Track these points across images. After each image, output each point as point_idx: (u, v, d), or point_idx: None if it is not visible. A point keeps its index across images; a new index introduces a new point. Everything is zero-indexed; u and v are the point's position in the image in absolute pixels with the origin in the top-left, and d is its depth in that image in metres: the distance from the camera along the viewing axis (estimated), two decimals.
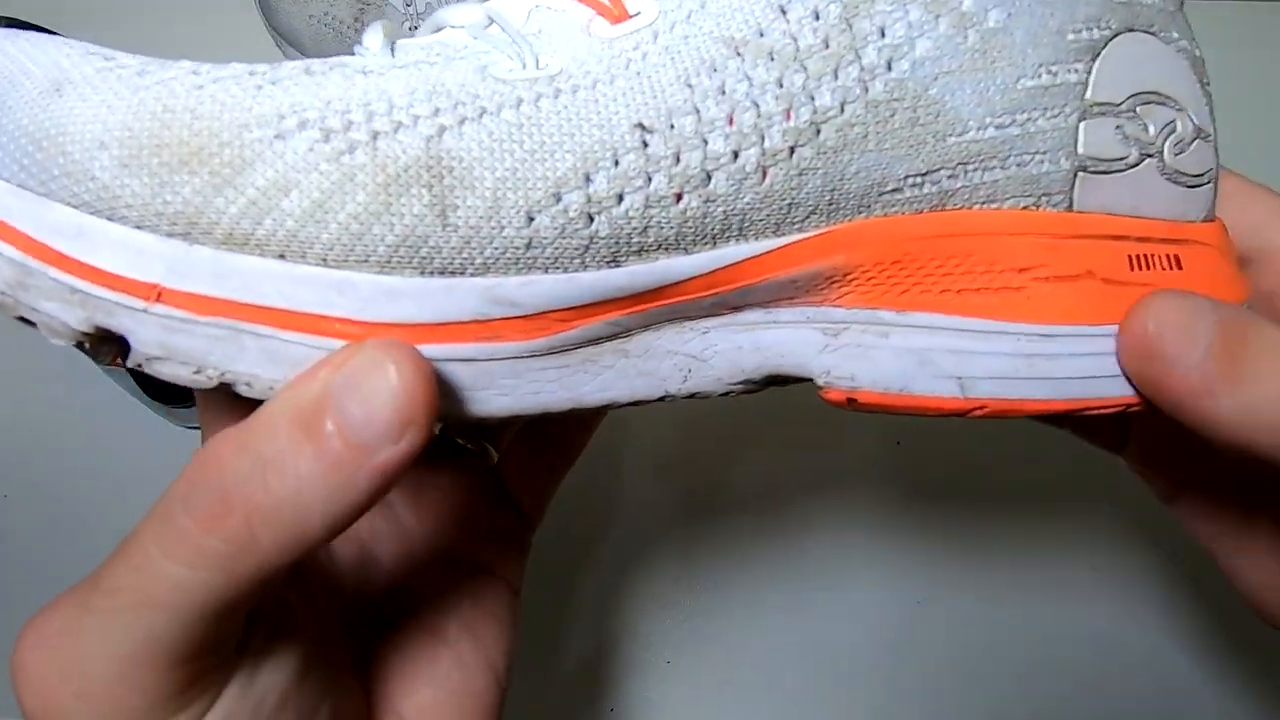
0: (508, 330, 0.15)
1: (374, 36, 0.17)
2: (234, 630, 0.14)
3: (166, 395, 0.32)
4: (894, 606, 0.34)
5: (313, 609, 0.17)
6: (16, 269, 0.14)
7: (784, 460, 0.36)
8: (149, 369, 0.14)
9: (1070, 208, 0.18)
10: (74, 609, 0.13)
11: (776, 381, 0.18)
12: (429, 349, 0.15)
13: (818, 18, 0.16)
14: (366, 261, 0.14)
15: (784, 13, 0.16)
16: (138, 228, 0.14)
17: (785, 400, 0.36)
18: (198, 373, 0.14)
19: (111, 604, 0.13)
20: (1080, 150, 0.17)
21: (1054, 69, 0.17)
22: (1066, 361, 0.17)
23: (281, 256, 0.14)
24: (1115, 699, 0.34)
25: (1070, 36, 0.17)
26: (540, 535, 0.33)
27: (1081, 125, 0.17)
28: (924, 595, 0.34)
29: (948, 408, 0.17)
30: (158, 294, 0.14)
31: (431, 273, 0.15)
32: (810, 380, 0.18)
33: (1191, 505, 0.22)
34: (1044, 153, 0.17)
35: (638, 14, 0.17)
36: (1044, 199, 0.17)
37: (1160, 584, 0.36)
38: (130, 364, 0.15)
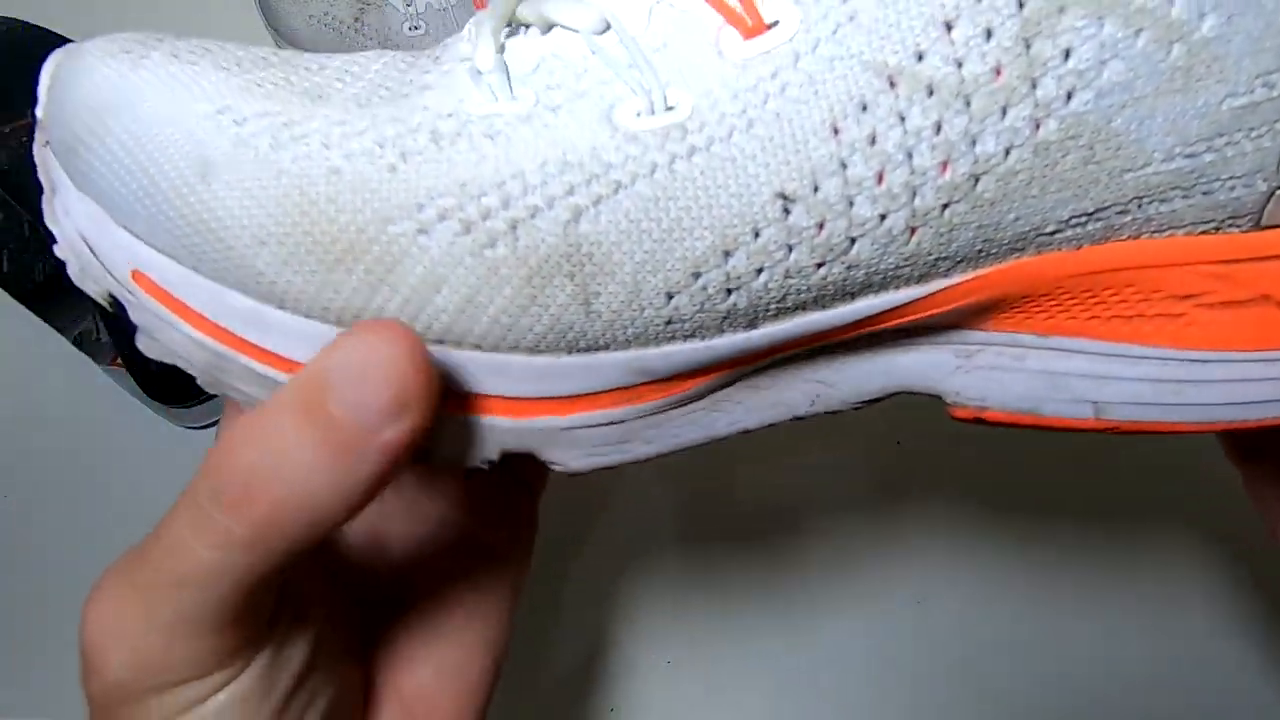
0: (648, 392, 0.16)
1: (485, 54, 0.16)
2: (266, 603, 0.15)
3: (166, 395, 0.32)
4: (894, 606, 0.34)
5: (324, 588, 0.17)
6: (213, 356, 0.16)
7: (784, 460, 0.35)
8: None
9: (1258, 225, 0.16)
10: (121, 583, 0.14)
11: (900, 393, 0.18)
12: (581, 417, 0.16)
13: (989, 37, 0.14)
14: (517, 347, 0.15)
15: (949, 29, 0.14)
16: (307, 316, 0.15)
17: None
18: None
19: (151, 580, 0.14)
20: None
21: (1273, 78, 0.14)
22: (1220, 387, 0.17)
23: (440, 342, 0.15)
24: (1115, 698, 0.34)
25: None
26: (541, 535, 0.33)
27: None
28: (924, 595, 0.34)
29: (1078, 428, 0.18)
30: None
31: (576, 352, 0.15)
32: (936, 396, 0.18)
33: None
34: (1239, 177, 0.15)
35: (775, 24, 0.15)
36: (1228, 222, 0.16)
37: (1160, 583, 0.35)
38: None
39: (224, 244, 0.15)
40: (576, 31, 0.16)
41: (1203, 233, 0.16)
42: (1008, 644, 0.33)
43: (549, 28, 0.16)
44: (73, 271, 0.17)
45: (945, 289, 0.16)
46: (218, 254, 0.15)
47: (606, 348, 0.15)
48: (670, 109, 0.15)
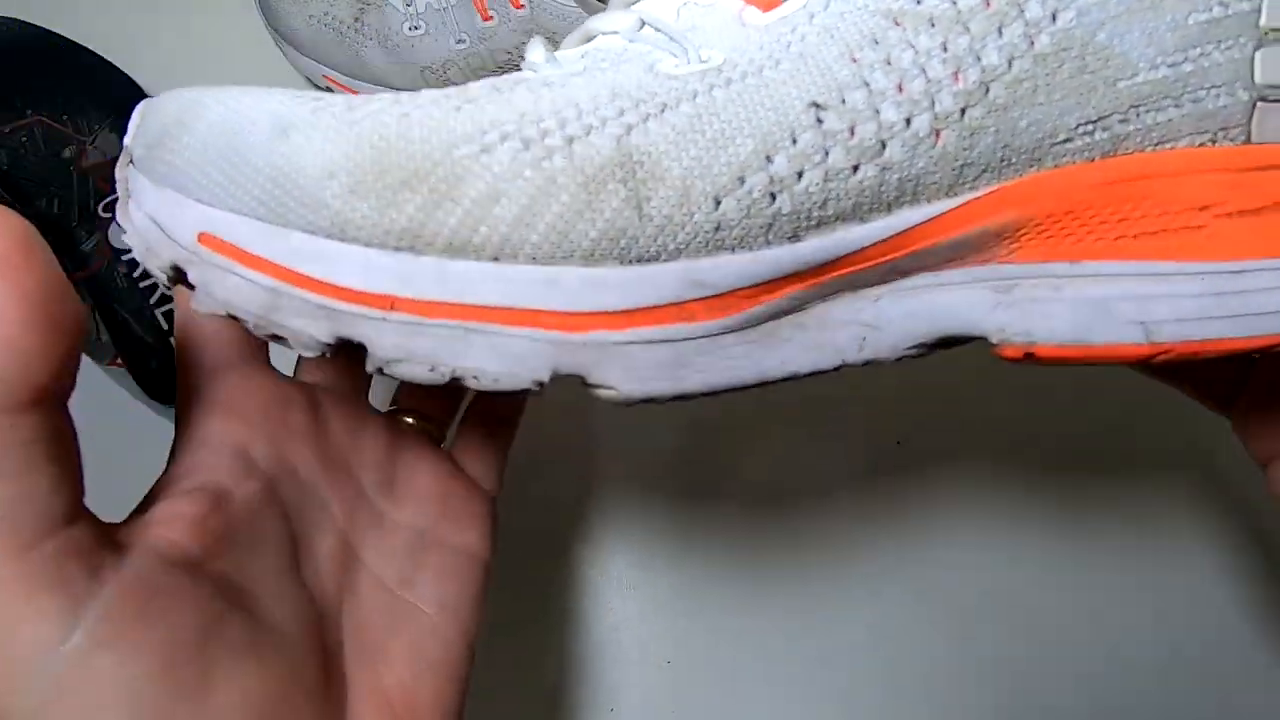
0: (700, 310, 0.16)
1: (536, 50, 0.18)
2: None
3: (166, 395, 0.32)
4: (894, 605, 0.34)
5: (297, 611, 0.18)
6: (268, 293, 0.16)
7: (784, 460, 0.35)
8: (389, 371, 0.16)
9: (1249, 140, 0.17)
10: None
11: (949, 343, 0.18)
12: (634, 332, 0.16)
13: None
14: (571, 257, 0.16)
15: None
16: (367, 245, 0.16)
17: (786, 400, 0.35)
18: (432, 370, 0.16)
19: None
20: (1258, 79, 0.17)
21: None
22: (1259, 296, 0.17)
23: (496, 259, 0.16)
24: (1116, 696, 0.33)
25: None
26: (540, 535, 0.34)
27: (1258, 54, 0.17)
28: (925, 592, 0.34)
29: (1131, 354, 0.17)
30: (392, 303, 0.16)
31: (630, 261, 0.16)
32: (984, 339, 0.18)
33: None
34: (1219, 86, 0.17)
35: None
36: (1220, 134, 0.17)
37: (1162, 583, 0.34)
38: (369, 369, 0.16)
39: (295, 184, 0.16)
40: (616, 33, 0.18)
41: (1200, 145, 0.17)
42: (1010, 641, 0.33)
43: (590, 38, 0.19)
44: (139, 252, 0.17)
45: (973, 200, 0.17)
46: (288, 195, 0.16)
47: (657, 257, 0.16)
48: (704, 61, 0.17)
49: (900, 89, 0.16)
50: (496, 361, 0.16)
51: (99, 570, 0.15)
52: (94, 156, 0.31)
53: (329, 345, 0.16)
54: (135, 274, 0.30)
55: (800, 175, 0.16)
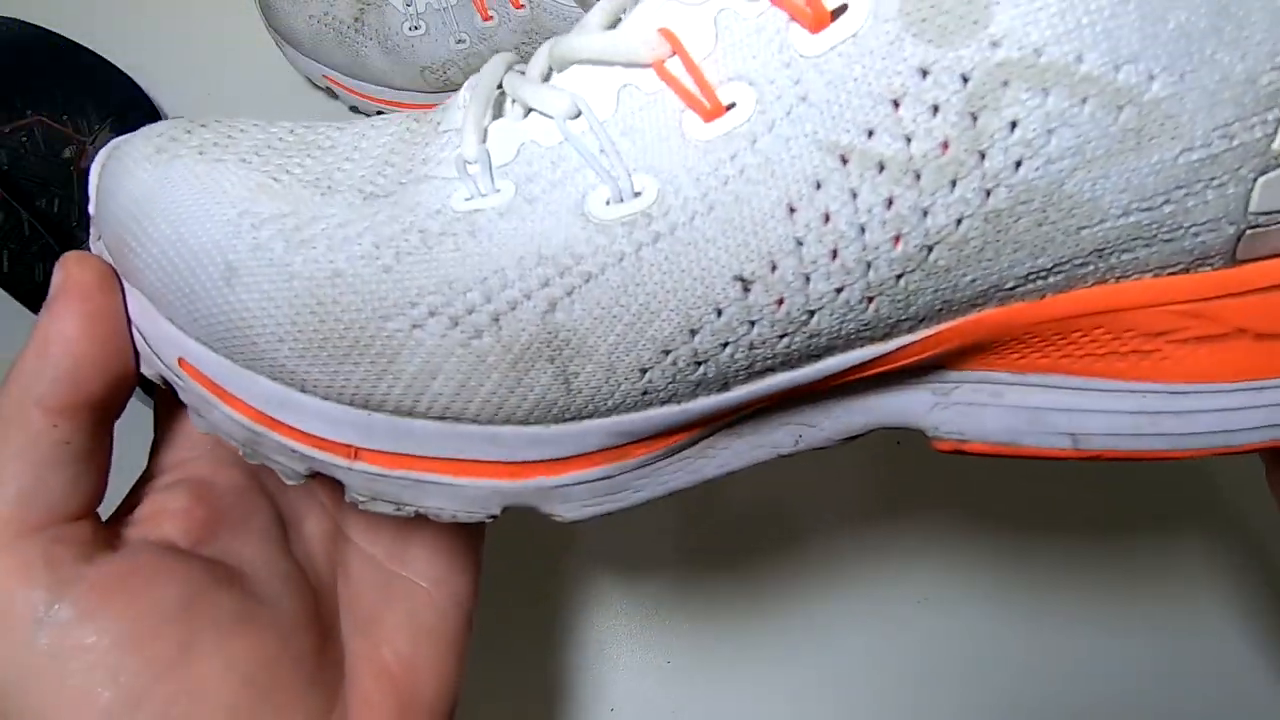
0: (635, 450, 0.18)
1: (470, 143, 0.17)
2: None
3: None
4: (894, 606, 0.34)
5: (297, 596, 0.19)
6: (247, 432, 0.18)
7: (784, 460, 0.34)
8: (363, 507, 0.18)
9: (1232, 263, 0.16)
10: None
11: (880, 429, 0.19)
12: (571, 476, 0.17)
13: (936, 112, 0.14)
14: (509, 421, 0.17)
15: (896, 106, 0.15)
16: (325, 399, 0.17)
17: None
18: (398, 510, 0.18)
19: None
20: (1253, 209, 0.15)
21: (1232, 129, 0.14)
22: (1201, 417, 0.17)
23: (442, 419, 0.17)
24: (1115, 697, 0.33)
25: (1266, 79, 0.14)
26: (540, 535, 0.34)
27: (1260, 181, 0.15)
28: (924, 595, 0.34)
29: (1059, 457, 0.18)
30: (355, 453, 0.18)
31: (563, 421, 0.17)
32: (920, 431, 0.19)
33: None
34: (1202, 224, 0.15)
35: (732, 107, 0.15)
36: (1197, 265, 0.16)
37: (1161, 582, 0.34)
38: (347, 500, 0.18)
39: (249, 340, 0.17)
40: (551, 117, 0.17)
41: (1171, 274, 0.16)
42: (1010, 644, 0.34)
43: (528, 111, 0.17)
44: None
45: (909, 345, 0.17)
46: (246, 347, 0.17)
47: (590, 416, 0.17)
48: (637, 194, 0.16)
49: (834, 256, 0.15)
50: (454, 503, 0.18)
51: (90, 557, 0.17)
52: (94, 156, 0.30)
53: (309, 476, 0.18)
54: None
55: (724, 346, 0.16)
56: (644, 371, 0.16)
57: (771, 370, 0.17)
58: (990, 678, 0.34)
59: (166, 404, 0.20)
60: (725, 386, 0.17)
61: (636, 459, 0.18)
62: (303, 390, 0.17)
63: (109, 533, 0.18)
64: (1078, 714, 0.33)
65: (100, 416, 0.17)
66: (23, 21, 0.33)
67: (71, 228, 0.30)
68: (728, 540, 0.35)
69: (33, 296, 0.31)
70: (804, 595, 0.34)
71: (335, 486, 0.22)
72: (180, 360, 0.18)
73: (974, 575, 0.35)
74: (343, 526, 0.22)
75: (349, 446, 0.17)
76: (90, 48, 0.34)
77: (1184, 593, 0.35)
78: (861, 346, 0.17)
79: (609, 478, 0.18)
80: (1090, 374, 0.17)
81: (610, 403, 0.17)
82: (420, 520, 0.23)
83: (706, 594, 0.34)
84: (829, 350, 0.16)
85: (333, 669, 0.19)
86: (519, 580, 0.34)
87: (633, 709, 0.33)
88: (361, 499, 0.18)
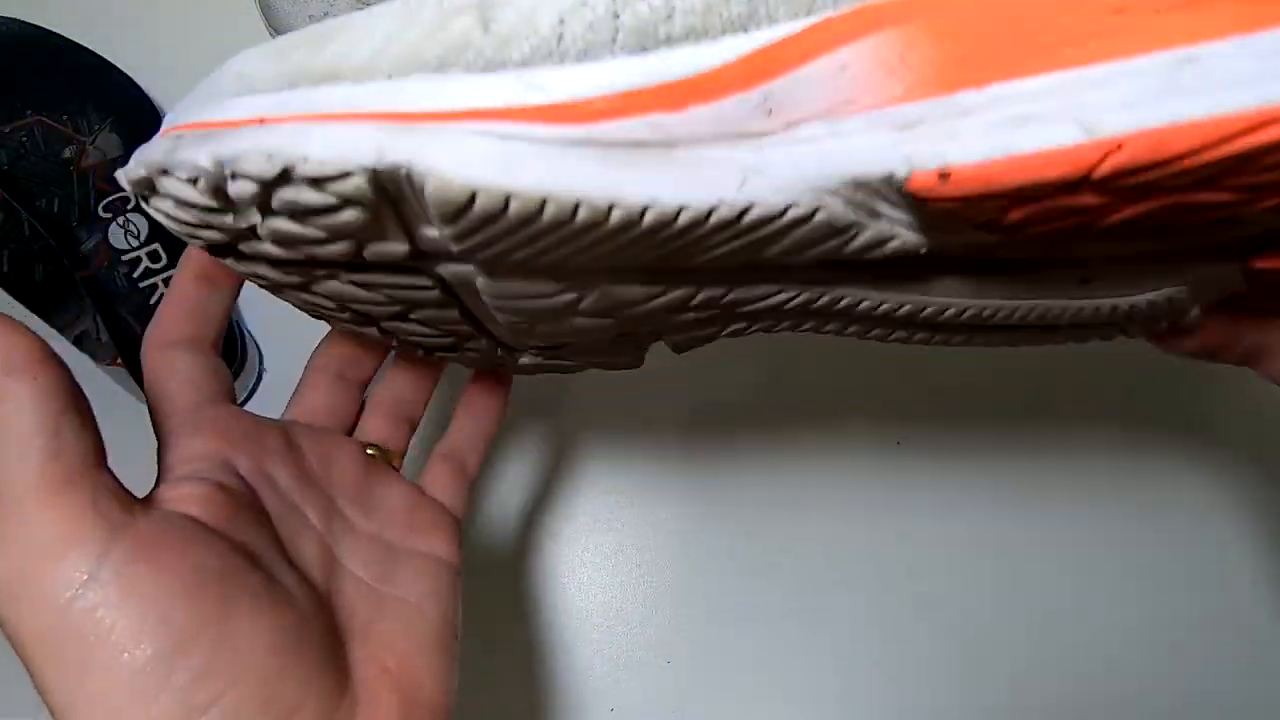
0: (540, 115, 0.15)
1: None
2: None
3: None
4: (894, 606, 0.34)
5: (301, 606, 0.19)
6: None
7: (783, 460, 0.35)
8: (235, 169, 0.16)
9: None
10: None
11: (836, 233, 0.16)
12: (467, 124, 0.15)
13: None
14: (422, 70, 0.16)
15: None
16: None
17: (785, 401, 0.36)
18: (269, 159, 0.15)
19: None
20: None
21: None
22: (1224, 64, 0.13)
23: (356, 80, 0.16)
24: (1117, 696, 0.33)
25: None
26: (540, 535, 0.35)
27: None
28: (925, 593, 0.34)
29: (1070, 163, 0.13)
30: (261, 120, 0.16)
31: (474, 70, 0.16)
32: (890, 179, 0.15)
33: None
34: None
35: None
36: None
37: (1161, 582, 0.34)
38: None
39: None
40: None
41: None
42: (1008, 642, 0.33)
43: None
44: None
45: (835, 17, 0.15)
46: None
47: (503, 66, 0.16)
48: None
49: None
50: (325, 149, 0.15)
51: (131, 509, 0.17)
52: (94, 156, 0.31)
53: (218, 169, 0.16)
54: (135, 274, 0.31)
55: None
56: (562, 19, 0.16)
57: (691, 37, 0.16)
58: (990, 677, 0.34)
59: (167, 433, 0.21)
60: (642, 48, 0.16)
61: (543, 127, 0.15)
62: (251, 91, 0.16)
63: (139, 500, 0.18)
64: (1080, 707, 0.33)
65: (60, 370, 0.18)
66: (23, 21, 0.33)
67: (71, 228, 0.31)
68: (728, 540, 0.35)
69: (33, 296, 0.31)
70: (804, 595, 0.34)
71: (327, 501, 0.23)
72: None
73: (974, 574, 0.34)
74: (334, 551, 0.22)
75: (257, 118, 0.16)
76: (90, 48, 0.34)
77: (1187, 571, 0.35)
78: (786, 20, 0.16)
79: (507, 139, 0.15)
80: (1066, 64, 0.14)
81: (525, 48, 0.16)
82: (404, 550, 0.23)
83: (706, 594, 0.35)
84: (752, 20, 0.16)
85: (341, 662, 0.20)
86: (519, 580, 0.34)
87: (633, 709, 0.33)
88: (240, 155, 0.16)
